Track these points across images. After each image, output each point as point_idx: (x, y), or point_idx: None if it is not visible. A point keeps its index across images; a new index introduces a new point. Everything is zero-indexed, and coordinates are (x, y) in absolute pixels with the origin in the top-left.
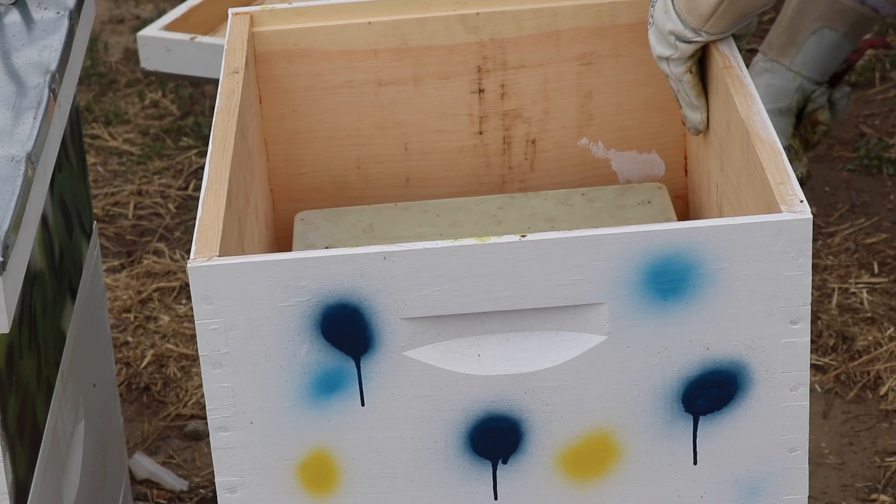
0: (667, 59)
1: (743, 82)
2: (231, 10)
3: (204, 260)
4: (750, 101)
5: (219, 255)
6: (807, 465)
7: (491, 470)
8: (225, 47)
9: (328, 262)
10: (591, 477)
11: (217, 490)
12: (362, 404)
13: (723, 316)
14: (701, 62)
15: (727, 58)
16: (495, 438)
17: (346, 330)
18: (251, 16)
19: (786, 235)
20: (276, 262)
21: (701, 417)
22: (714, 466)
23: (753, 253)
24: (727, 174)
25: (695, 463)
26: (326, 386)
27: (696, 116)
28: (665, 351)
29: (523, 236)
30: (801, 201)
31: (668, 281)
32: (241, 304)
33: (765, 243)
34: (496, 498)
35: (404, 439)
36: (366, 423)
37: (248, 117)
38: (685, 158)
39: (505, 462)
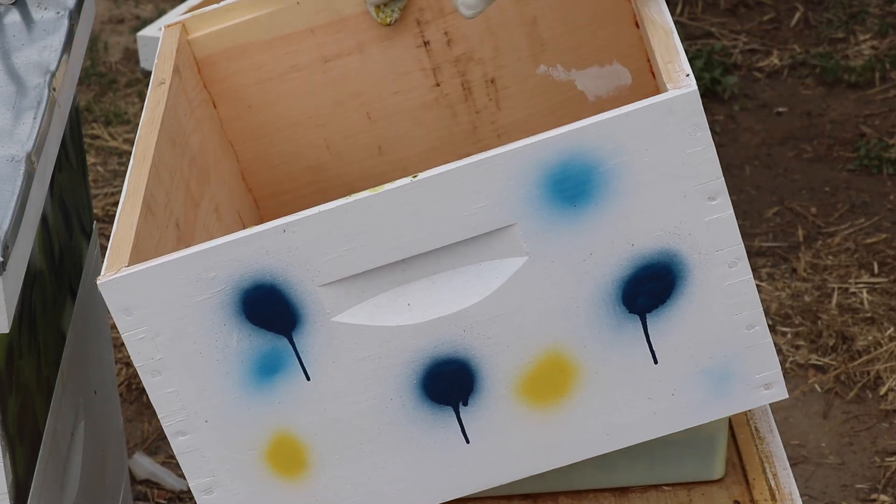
0: None
1: None
2: (163, 24)
3: (113, 273)
4: None
5: (127, 266)
6: (770, 339)
7: (454, 415)
8: (155, 62)
9: (231, 248)
10: (555, 400)
11: (193, 494)
12: (307, 379)
13: (637, 209)
14: None
15: None
16: (448, 383)
17: (270, 309)
18: (183, 24)
19: (675, 113)
20: (180, 259)
21: (648, 315)
22: (676, 361)
23: (648, 138)
24: (653, 65)
25: (655, 362)
26: (267, 369)
27: None
28: (591, 257)
29: (414, 177)
30: (687, 75)
31: (571, 186)
32: (159, 309)
33: (657, 126)
34: (468, 441)
35: (359, 404)
36: (316, 397)
37: (185, 123)
38: (648, 61)
39: (465, 404)
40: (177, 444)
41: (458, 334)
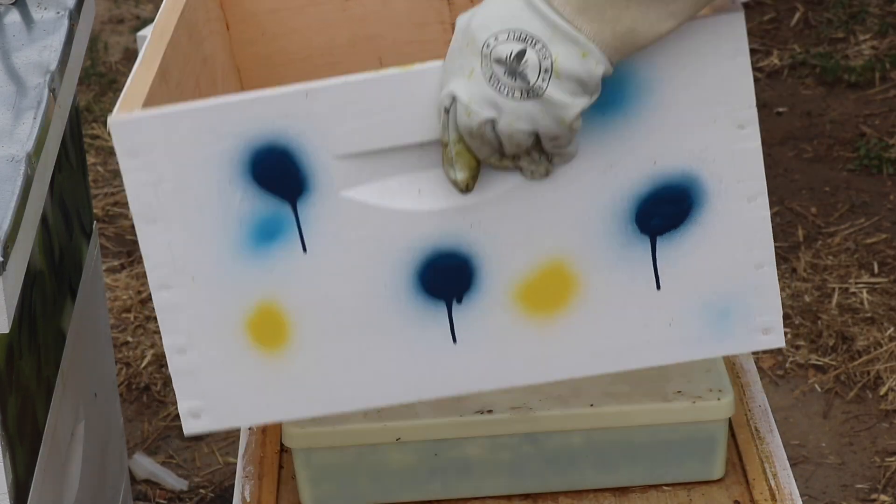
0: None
1: None
2: None
3: (126, 113)
4: None
5: (141, 109)
6: (776, 283)
7: (446, 311)
8: None
9: (249, 105)
10: (550, 311)
11: (166, 352)
12: (304, 250)
13: (665, 126)
14: None
15: None
16: (446, 276)
17: (279, 173)
18: None
19: (718, 35)
20: (197, 109)
21: (658, 238)
22: (679, 290)
23: (687, 56)
24: None
25: (658, 288)
26: (265, 234)
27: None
28: (611, 169)
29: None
30: (733, 1)
31: (603, 94)
32: (167, 156)
33: (697, 44)
34: (455, 341)
35: (351, 284)
36: (310, 271)
37: (202, 27)
38: None
39: (459, 301)
40: (158, 299)
41: (465, 229)
